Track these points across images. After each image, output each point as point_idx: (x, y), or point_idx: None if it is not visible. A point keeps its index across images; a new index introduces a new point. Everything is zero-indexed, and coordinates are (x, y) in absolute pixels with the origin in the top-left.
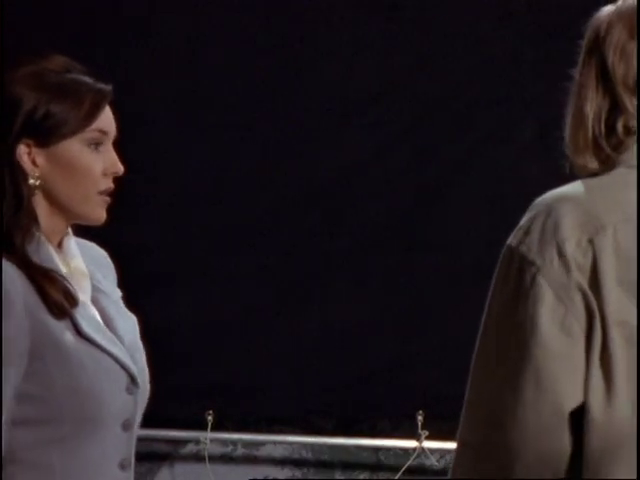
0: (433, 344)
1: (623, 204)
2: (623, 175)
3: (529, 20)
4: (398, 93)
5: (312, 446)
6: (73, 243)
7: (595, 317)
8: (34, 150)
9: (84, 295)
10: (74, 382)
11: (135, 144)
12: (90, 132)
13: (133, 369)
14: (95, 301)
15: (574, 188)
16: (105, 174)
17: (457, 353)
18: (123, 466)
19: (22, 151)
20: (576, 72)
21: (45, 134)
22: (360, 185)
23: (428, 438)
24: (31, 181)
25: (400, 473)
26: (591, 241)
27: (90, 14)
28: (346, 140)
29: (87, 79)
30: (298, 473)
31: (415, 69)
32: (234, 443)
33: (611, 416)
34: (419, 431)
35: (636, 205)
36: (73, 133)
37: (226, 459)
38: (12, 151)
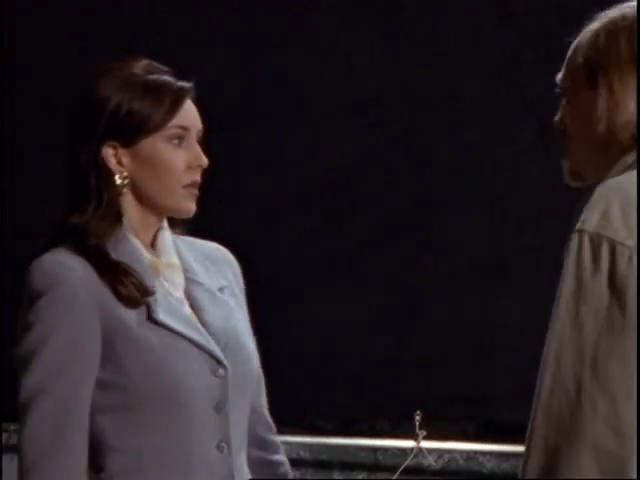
0: (432, 344)
1: None
2: None
3: (529, 20)
4: (398, 93)
5: (310, 446)
6: (167, 238)
7: None
8: (120, 151)
9: (173, 286)
10: (146, 367)
11: None
12: (171, 128)
13: (216, 351)
14: (188, 291)
15: (632, 178)
16: (190, 167)
17: (456, 353)
18: (221, 448)
19: (108, 153)
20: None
21: (128, 133)
22: (359, 185)
23: (426, 438)
24: (118, 181)
25: (398, 473)
26: None
27: (90, 14)
28: (346, 140)
29: (168, 78)
30: (296, 473)
31: (415, 69)
32: None
33: None
34: (417, 431)
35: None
36: (155, 130)
37: None
38: (97, 153)
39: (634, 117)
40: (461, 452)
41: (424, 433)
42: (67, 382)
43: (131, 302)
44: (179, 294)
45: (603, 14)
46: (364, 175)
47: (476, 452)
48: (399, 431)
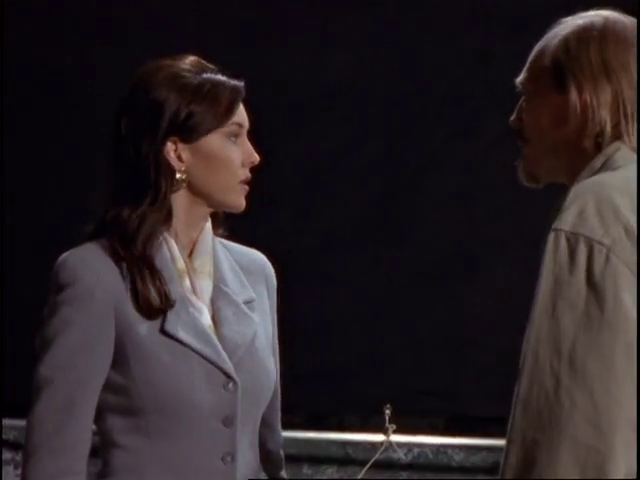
0: (401, 339)
1: None
2: (631, 171)
3: (498, 16)
4: (367, 88)
5: None
6: (207, 242)
7: None
8: (180, 146)
9: (198, 293)
10: (151, 376)
11: None
12: (229, 126)
13: (226, 366)
14: (214, 301)
15: (607, 178)
16: (243, 164)
17: (425, 348)
18: (225, 460)
19: (169, 148)
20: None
21: (189, 132)
22: (329, 180)
23: (396, 432)
24: (178, 175)
25: (367, 467)
26: None
27: (90, 14)
28: (315, 135)
29: (222, 77)
30: None
31: (385, 64)
32: None
33: None
34: (387, 425)
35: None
36: (215, 127)
37: None
38: (159, 150)
39: (604, 127)
40: (430, 446)
41: (394, 427)
42: (74, 377)
43: (149, 309)
44: (202, 302)
45: (568, 20)
46: (333, 170)
47: (445, 445)
48: (368, 425)
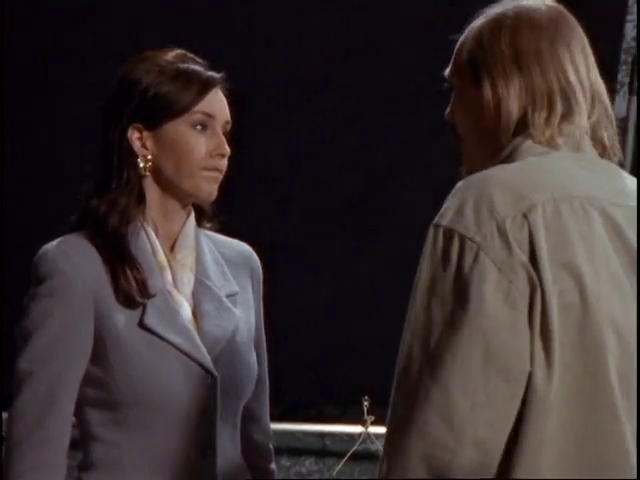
0: (380, 330)
1: (545, 185)
2: (535, 162)
3: (478, 7)
4: (346, 80)
5: None
6: (189, 235)
7: (536, 289)
8: (145, 134)
9: (180, 286)
10: (130, 370)
11: None
12: (196, 114)
13: (205, 360)
14: (195, 294)
15: (496, 172)
16: (211, 155)
17: None
18: (205, 453)
19: (134, 136)
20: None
21: (154, 115)
22: (309, 172)
23: (374, 423)
24: (142, 164)
25: (346, 458)
26: (525, 217)
27: (89, 14)
28: (294, 127)
29: (198, 67)
30: None
31: (362, 55)
32: None
33: (549, 385)
34: (365, 416)
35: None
36: (179, 114)
37: None
38: (123, 135)
39: (514, 118)
40: None
41: (372, 418)
42: (53, 370)
43: (128, 300)
44: (182, 296)
45: (488, 10)
46: (313, 162)
47: None
48: (347, 416)
